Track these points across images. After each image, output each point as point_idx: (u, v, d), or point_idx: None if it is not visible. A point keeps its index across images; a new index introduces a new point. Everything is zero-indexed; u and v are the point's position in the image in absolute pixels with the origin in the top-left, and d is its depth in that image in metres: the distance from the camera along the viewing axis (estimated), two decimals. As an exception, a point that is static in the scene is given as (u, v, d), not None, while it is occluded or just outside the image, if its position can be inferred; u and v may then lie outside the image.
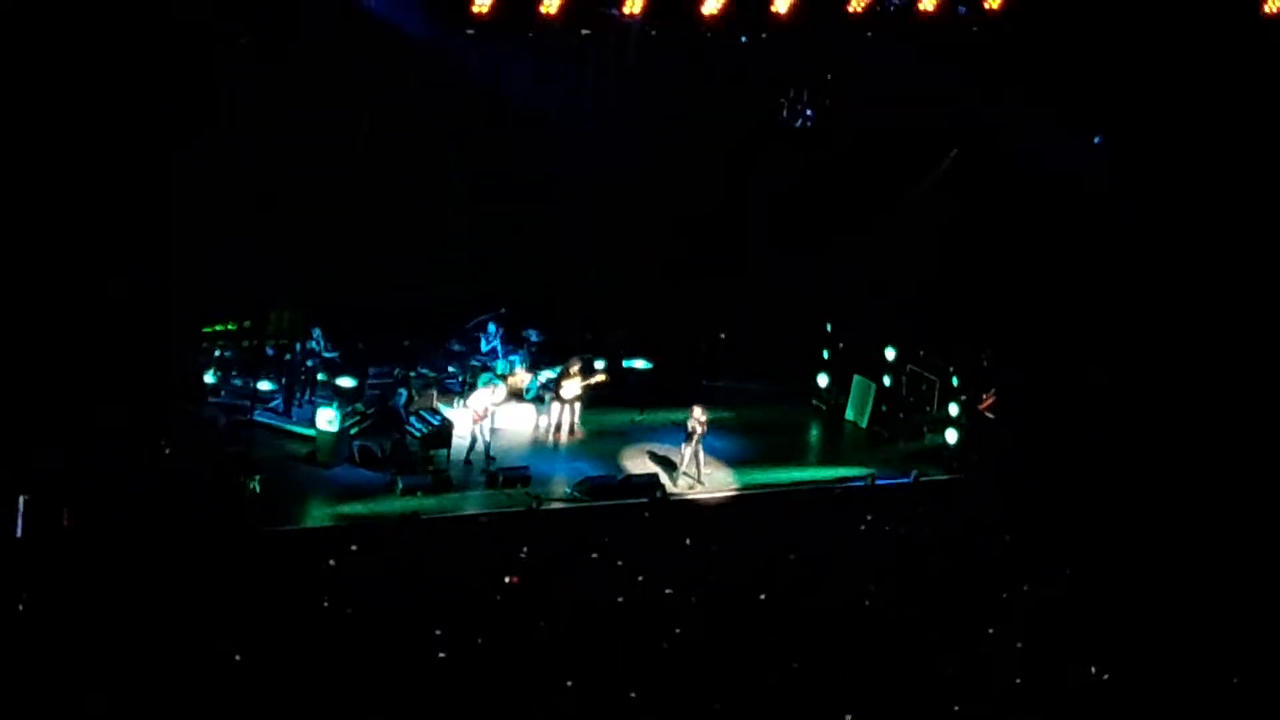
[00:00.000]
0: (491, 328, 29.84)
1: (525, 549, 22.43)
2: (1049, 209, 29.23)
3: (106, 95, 23.14)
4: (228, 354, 28.36)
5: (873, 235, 30.98)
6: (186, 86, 24.19)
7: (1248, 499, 25.18)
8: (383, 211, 28.94)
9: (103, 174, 23.36)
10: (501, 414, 27.42)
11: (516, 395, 28.36)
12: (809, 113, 30.73)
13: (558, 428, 28.17)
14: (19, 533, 21.20)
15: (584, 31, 27.82)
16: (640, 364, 31.32)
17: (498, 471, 26.00)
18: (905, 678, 19.85)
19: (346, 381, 28.48)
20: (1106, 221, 28.93)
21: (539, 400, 28.60)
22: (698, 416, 26.40)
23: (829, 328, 31.02)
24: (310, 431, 26.42)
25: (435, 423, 26.58)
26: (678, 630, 20.54)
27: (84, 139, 23.27)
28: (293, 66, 25.91)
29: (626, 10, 26.48)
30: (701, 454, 26.55)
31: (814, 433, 30.13)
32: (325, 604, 20.30)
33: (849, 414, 30.38)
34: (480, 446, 26.53)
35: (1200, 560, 23.31)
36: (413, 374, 28.80)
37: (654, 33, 27.95)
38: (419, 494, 24.97)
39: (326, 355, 28.23)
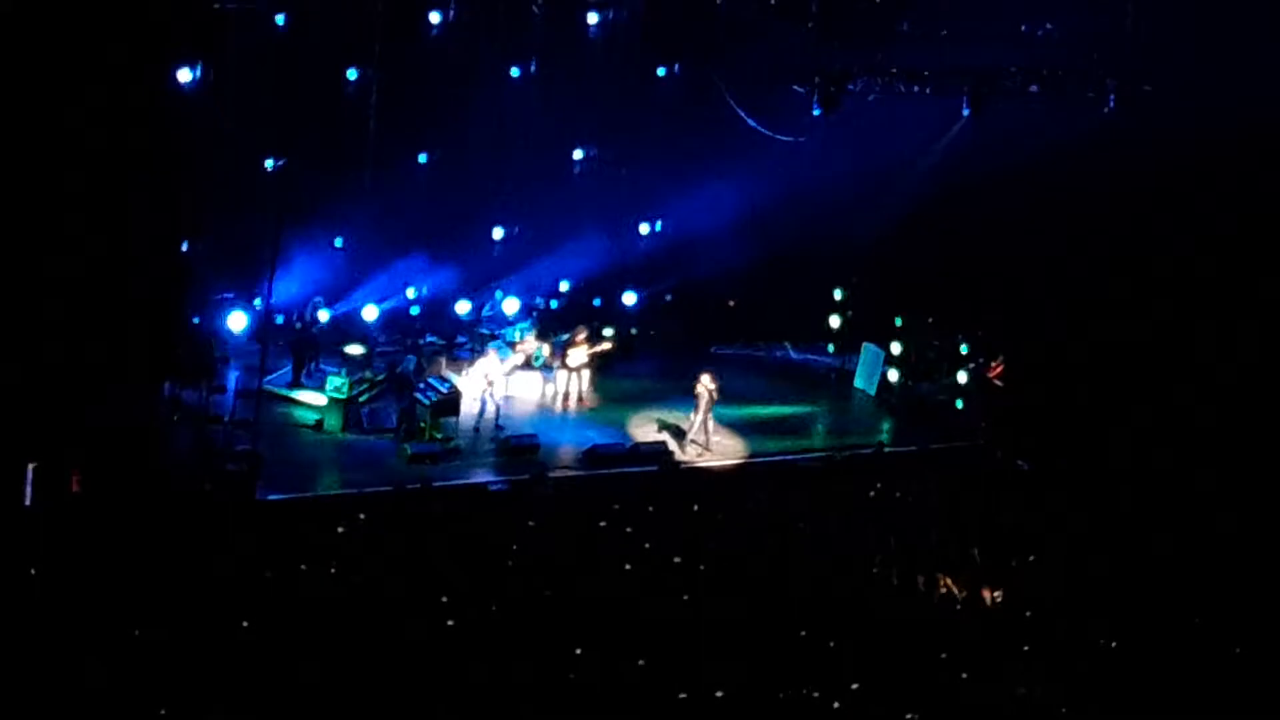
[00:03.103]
0: (499, 295, 29.78)
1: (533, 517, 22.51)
2: (1056, 180, 29.14)
3: (109, 69, 23.05)
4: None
5: (880, 206, 30.88)
6: (190, 57, 24.15)
7: (1255, 468, 25.13)
8: (386, 186, 28.92)
9: (107, 147, 23.27)
10: (510, 382, 27.40)
11: (525, 363, 28.34)
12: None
13: (566, 395, 28.18)
14: (27, 500, 21.22)
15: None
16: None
17: (506, 439, 26.01)
18: (913, 645, 19.86)
19: (355, 349, 28.47)
20: (1114, 194, 28.83)
21: (547, 368, 28.59)
22: (706, 384, 26.39)
23: (838, 295, 30.95)
24: (319, 399, 26.44)
25: (444, 390, 26.56)
26: (685, 597, 20.55)
27: (94, 108, 23.20)
28: (295, 33, 25.86)
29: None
30: (710, 422, 26.52)
31: (823, 401, 30.09)
32: (333, 571, 20.35)
33: (858, 382, 30.35)
34: (489, 414, 26.54)
35: (1208, 529, 23.27)
36: (422, 342, 28.77)
37: None
38: (427, 461, 24.99)
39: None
